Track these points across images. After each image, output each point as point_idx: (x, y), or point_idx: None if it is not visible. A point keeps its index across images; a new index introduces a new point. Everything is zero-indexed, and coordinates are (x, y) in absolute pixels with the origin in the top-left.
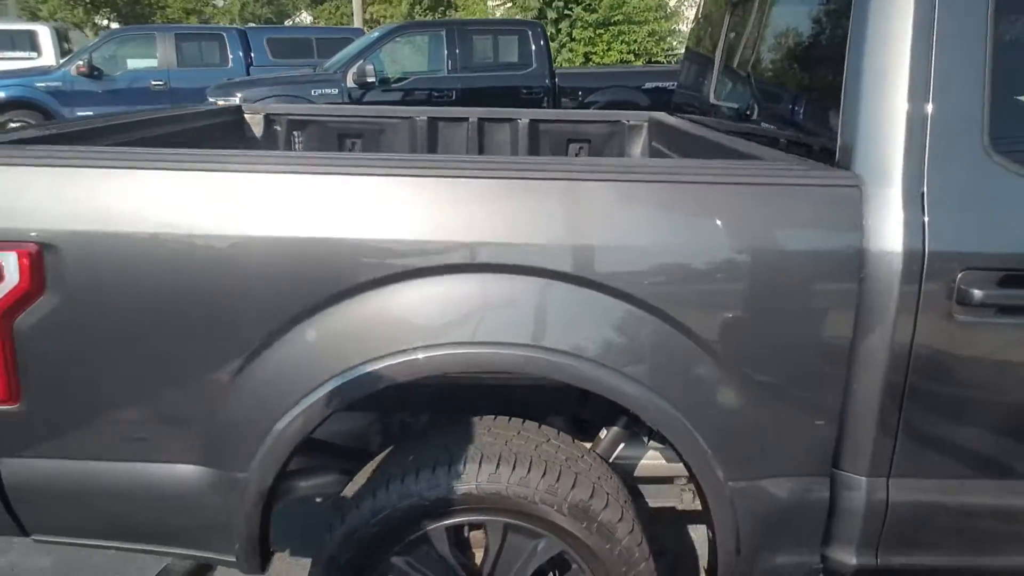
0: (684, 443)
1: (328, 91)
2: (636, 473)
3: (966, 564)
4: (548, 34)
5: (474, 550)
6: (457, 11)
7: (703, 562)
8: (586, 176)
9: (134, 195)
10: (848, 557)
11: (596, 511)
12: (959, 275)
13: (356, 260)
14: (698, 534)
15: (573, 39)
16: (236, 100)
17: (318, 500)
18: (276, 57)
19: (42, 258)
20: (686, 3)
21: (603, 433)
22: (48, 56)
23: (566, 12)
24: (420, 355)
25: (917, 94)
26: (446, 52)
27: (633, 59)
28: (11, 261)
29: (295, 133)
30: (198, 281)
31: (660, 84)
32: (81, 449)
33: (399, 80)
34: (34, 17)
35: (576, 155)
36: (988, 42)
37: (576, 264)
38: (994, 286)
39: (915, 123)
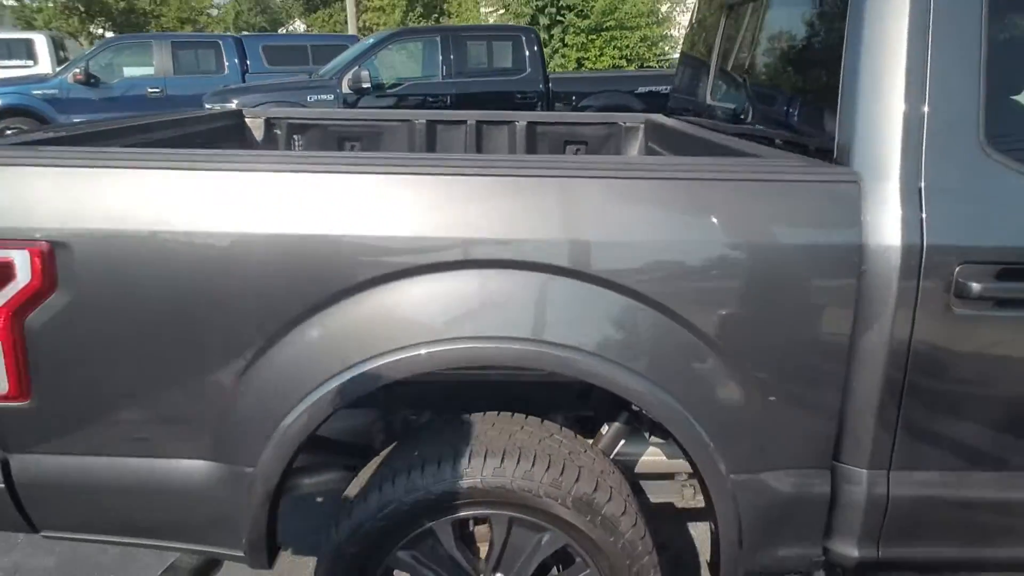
0: (687, 437)
1: (323, 97)
2: (637, 469)
3: (968, 556)
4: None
5: (479, 544)
6: (450, 18)
7: (704, 558)
8: (590, 174)
9: (144, 194)
10: (850, 550)
11: (600, 504)
12: (957, 269)
13: (360, 258)
14: (698, 531)
15: (566, 45)
16: (233, 107)
17: (319, 500)
18: (272, 64)
19: (53, 256)
20: (678, 8)
21: (604, 429)
22: (44, 64)
23: (558, 18)
24: (423, 351)
25: (914, 92)
26: (440, 58)
27: (625, 64)
28: (23, 259)
29: (295, 136)
30: (206, 279)
31: (653, 88)
32: (91, 445)
33: (394, 86)
34: (29, 26)
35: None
36: (983, 40)
37: (579, 260)
38: (991, 279)
39: (912, 120)
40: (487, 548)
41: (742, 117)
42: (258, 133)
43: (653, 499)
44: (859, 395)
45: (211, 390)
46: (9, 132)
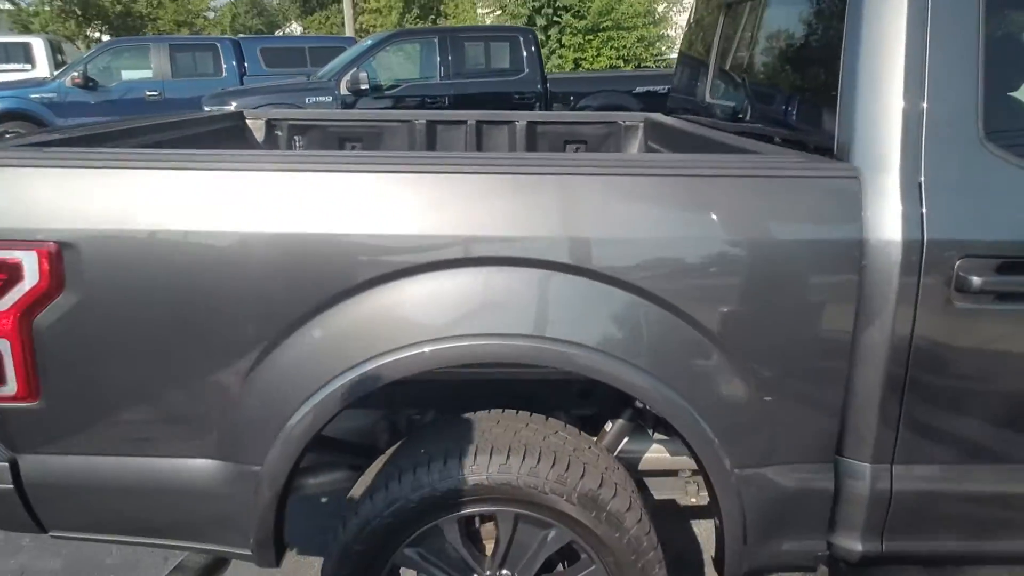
0: (691, 432)
1: (322, 99)
2: (640, 467)
3: (971, 550)
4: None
5: (484, 542)
6: (447, 20)
7: (707, 555)
8: (596, 171)
9: (150, 195)
10: (853, 544)
11: (605, 500)
12: (957, 263)
13: (365, 257)
14: (701, 528)
15: (563, 45)
16: (231, 109)
17: (323, 500)
18: (269, 66)
19: (61, 257)
20: (674, 8)
21: (608, 426)
22: (42, 68)
23: (555, 19)
24: (426, 348)
25: (913, 88)
26: (439, 59)
27: (622, 64)
28: (31, 260)
29: (296, 137)
30: (212, 278)
31: (651, 88)
32: (99, 445)
33: (392, 87)
34: (26, 30)
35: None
36: (981, 36)
37: (582, 256)
38: (992, 273)
39: (911, 116)
40: (493, 545)
41: (741, 115)
42: (259, 134)
43: (657, 496)
44: (861, 389)
45: (218, 389)
46: (8, 136)
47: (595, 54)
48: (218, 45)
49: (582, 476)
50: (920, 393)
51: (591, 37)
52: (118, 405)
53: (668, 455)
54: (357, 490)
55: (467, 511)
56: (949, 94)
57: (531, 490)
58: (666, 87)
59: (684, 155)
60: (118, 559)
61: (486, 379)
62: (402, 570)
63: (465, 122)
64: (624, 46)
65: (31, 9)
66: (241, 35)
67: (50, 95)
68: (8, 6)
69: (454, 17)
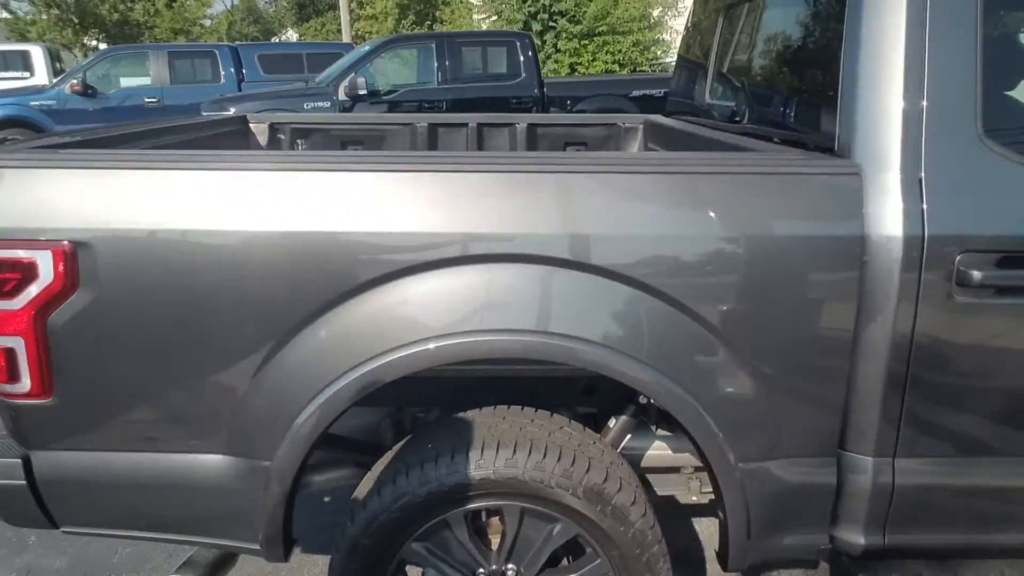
0: (695, 426)
1: (320, 104)
2: (643, 464)
3: (972, 543)
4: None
5: (491, 536)
6: (443, 26)
7: (707, 553)
8: (602, 168)
9: (162, 194)
10: (856, 537)
11: (610, 494)
12: (958, 257)
13: (372, 256)
14: (702, 526)
15: (558, 50)
16: (231, 114)
17: (326, 499)
18: (267, 73)
19: (75, 257)
20: (670, 13)
21: (612, 422)
22: (41, 75)
23: (551, 24)
24: (431, 345)
25: (913, 87)
26: (436, 64)
27: (618, 69)
28: (46, 260)
29: (299, 141)
30: (221, 279)
31: (647, 92)
32: (111, 441)
33: (390, 92)
34: (23, 38)
35: None
36: (979, 34)
37: (591, 253)
38: (992, 267)
39: (911, 114)
40: (499, 540)
41: (741, 116)
42: (262, 138)
43: (659, 492)
44: (863, 383)
45: (229, 385)
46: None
47: (591, 59)
48: (216, 52)
49: (587, 470)
50: (922, 387)
51: (587, 42)
52: (130, 402)
53: (670, 452)
54: (364, 486)
55: (474, 505)
56: (948, 93)
57: (537, 484)
58: (662, 91)
59: (688, 153)
60: (124, 558)
61: (490, 377)
62: (408, 568)
63: (466, 125)
64: (620, 50)
65: (28, 18)
66: (238, 42)
67: (49, 102)
68: (5, 15)
69: (450, 23)
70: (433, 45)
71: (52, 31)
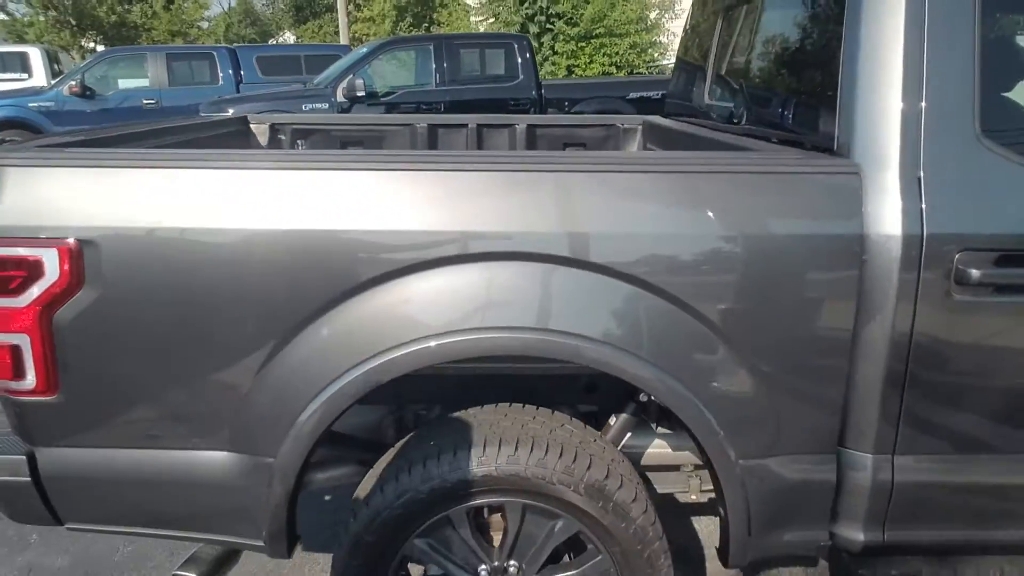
0: (697, 423)
1: (318, 105)
2: (643, 462)
3: (971, 539)
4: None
5: (493, 533)
6: (441, 28)
7: (707, 551)
8: (602, 167)
9: (168, 193)
10: (855, 534)
11: (611, 491)
12: (956, 256)
13: (373, 255)
14: (702, 524)
15: (556, 52)
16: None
17: (327, 498)
18: (265, 74)
19: (81, 254)
20: (667, 15)
21: (612, 420)
22: (39, 77)
23: (548, 26)
24: (432, 343)
25: (911, 87)
26: (434, 66)
27: (615, 71)
28: (51, 257)
29: (299, 141)
30: (226, 277)
31: (644, 94)
32: (115, 438)
33: (388, 94)
34: (20, 40)
35: None
36: (977, 35)
37: (590, 251)
38: (990, 266)
39: (910, 114)
40: (501, 536)
41: (740, 116)
42: (263, 138)
43: (660, 490)
44: (863, 381)
45: (232, 382)
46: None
47: (588, 61)
48: (214, 54)
49: (589, 467)
50: (921, 384)
51: (584, 44)
52: (134, 399)
53: (671, 450)
54: (367, 484)
55: (476, 502)
56: (947, 93)
57: (539, 480)
58: (659, 92)
59: (688, 153)
60: (125, 556)
61: (491, 375)
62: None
63: (466, 126)
64: (617, 53)
65: (25, 19)
66: (236, 44)
67: (48, 104)
68: (2, 16)
69: (447, 25)
70: (431, 47)
71: (50, 33)
